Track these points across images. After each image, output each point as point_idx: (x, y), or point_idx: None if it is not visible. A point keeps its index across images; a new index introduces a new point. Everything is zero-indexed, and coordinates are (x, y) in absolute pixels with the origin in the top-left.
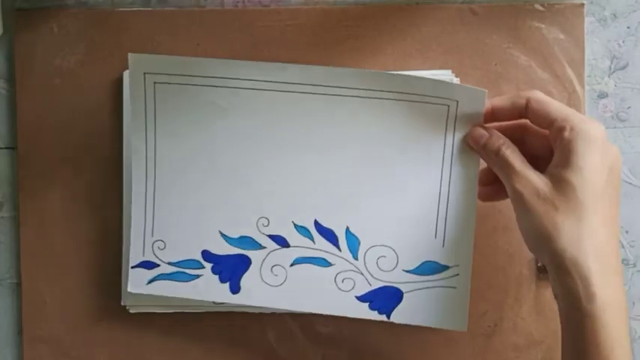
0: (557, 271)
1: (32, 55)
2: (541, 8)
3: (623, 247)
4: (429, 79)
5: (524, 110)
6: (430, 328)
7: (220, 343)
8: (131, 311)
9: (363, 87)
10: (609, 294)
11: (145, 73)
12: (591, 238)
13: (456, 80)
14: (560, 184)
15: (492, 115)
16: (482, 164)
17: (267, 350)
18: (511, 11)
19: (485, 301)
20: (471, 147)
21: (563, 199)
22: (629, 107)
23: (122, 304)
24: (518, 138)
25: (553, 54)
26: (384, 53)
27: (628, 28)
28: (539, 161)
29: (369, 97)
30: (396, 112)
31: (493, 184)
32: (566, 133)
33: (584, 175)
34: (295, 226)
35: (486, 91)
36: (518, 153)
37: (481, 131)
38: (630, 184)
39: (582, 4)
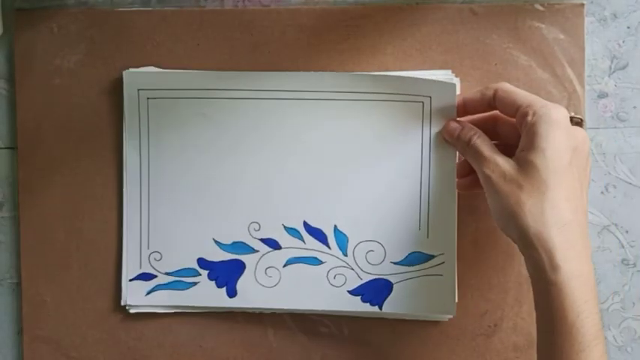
0: (524, 246)
1: (32, 55)
2: (541, 8)
3: (623, 247)
4: (400, 76)
5: (493, 101)
6: (430, 327)
7: (220, 343)
8: (131, 311)
9: (340, 90)
10: (574, 265)
11: (139, 90)
12: (554, 213)
13: (456, 80)
14: (525, 166)
15: (464, 109)
16: (460, 157)
17: (267, 350)
18: (511, 11)
19: (486, 301)
20: (446, 140)
21: (527, 179)
22: (633, 107)
23: (122, 304)
24: (490, 128)
25: (553, 54)
26: (384, 53)
27: (628, 28)
28: (512, 149)
29: (348, 100)
30: (374, 112)
31: (470, 175)
32: (529, 118)
33: (546, 155)
34: (285, 228)
35: (456, 84)
36: (488, 141)
37: (454, 124)
38: (630, 184)
39: (582, 4)
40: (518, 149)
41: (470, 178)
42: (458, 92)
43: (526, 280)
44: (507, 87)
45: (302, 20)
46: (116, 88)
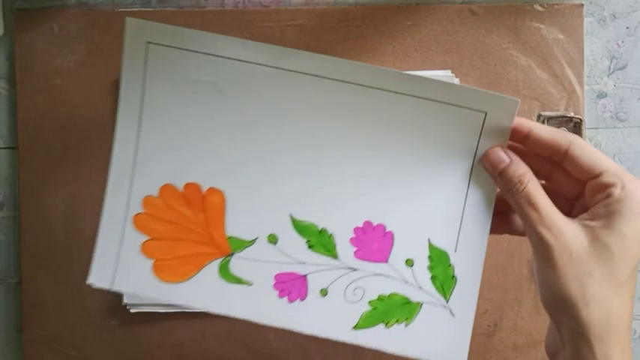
0: (576, 341)
1: (32, 55)
2: (541, 8)
3: None
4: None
5: (563, 152)
6: None
7: (220, 343)
8: (131, 311)
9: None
10: None
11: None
12: (621, 315)
13: (456, 80)
14: (598, 246)
15: (525, 141)
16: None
17: (267, 350)
18: (511, 11)
19: (486, 300)
20: (486, 169)
21: (598, 265)
22: (632, 107)
23: (122, 303)
24: (544, 174)
25: (552, 54)
26: (384, 53)
27: (627, 28)
28: (559, 202)
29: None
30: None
31: (500, 215)
32: (617, 191)
33: (625, 243)
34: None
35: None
36: (542, 190)
37: (501, 155)
38: None
39: (582, 5)
40: (585, 217)
41: (500, 219)
42: None
43: (526, 280)
44: (584, 144)
45: (302, 20)
46: (116, 88)
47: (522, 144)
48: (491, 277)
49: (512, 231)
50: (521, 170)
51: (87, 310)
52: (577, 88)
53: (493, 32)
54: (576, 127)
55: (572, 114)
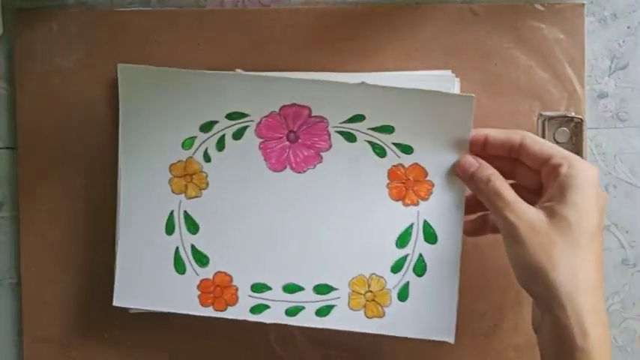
0: (550, 305)
1: (32, 55)
2: (541, 8)
3: (623, 247)
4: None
5: (517, 147)
6: None
7: (220, 343)
8: (131, 311)
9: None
10: (600, 332)
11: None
12: (586, 275)
13: (457, 80)
14: (556, 219)
15: (483, 146)
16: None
17: (267, 350)
18: (511, 11)
19: (486, 301)
20: (458, 176)
21: (559, 234)
22: (633, 107)
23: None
24: (508, 172)
25: (553, 54)
26: (384, 53)
27: (628, 28)
28: (526, 196)
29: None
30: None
31: (474, 218)
32: (564, 169)
33: (580, 212)
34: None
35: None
36: (507, 184)
37: (470, 160)
38: (630, 184)
39: (582, 4)
40: (543, 199)
41: (475, 221)
42: (457, 91)
43: None
44: (535, 137)
45: (302, 20)
46: (116, 88)
47: (483, 150)
48: (491, 278)
49: (492, 229)
50: (488, 171)
51: (87, 311)
52: (578, 87)
53: (494, 32)
54: (577, 127)
55: (572, 114)
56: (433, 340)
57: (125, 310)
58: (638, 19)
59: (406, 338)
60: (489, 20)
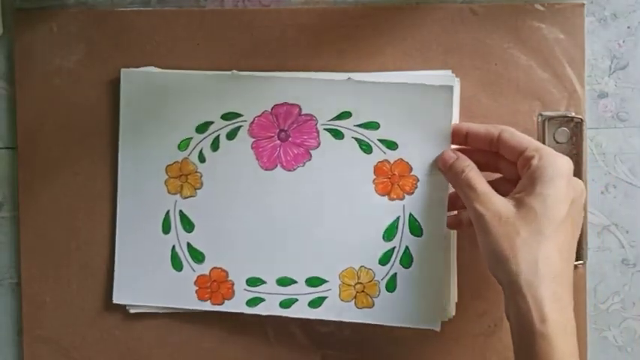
0: (511, 292)
1: (32, 55)
2: (541, 8)
3: (623, 247)
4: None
5: (496, 140)
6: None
7: (220, 343)
8: (131, 311)
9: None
10: (560, 317)
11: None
12: (547, 263)
13: (457, 80)
14: (523, 209)
15: (465, 140)
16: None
17: (267, 350)
18: (511, 11)
19: (485, 301)
20: (440, 170)
21: (524, 224)
22: (633, 107)
23: (122, 304)
24: (491, 165)
25: (553, 54)
26: (383, 53)
27: (628, 28)
28: (508, 187)
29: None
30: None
31: (458, 212)
32: (535, 161)
33: (547, 203)
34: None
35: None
36: (482, 176)
37: (450, 153)
38: (630, 184)
39: (582, 4)
40: (515, 190)
41: (458, 215)
42: (457, 92)
43: None
44: (513, 130)
45: (302, 20)
46: (116, 88)
47: (465, 143)
48: (490, 277)
49: (467, 223)
50: (464, 163)
51: (86, 310)
52: (578, 87)
53: (494, 32)
54: (577, 127)
55: (572, 114)
56: (433, 341)
57: (125, 310)
58: (638, 19)
59: (406, 338)
60: (489, 20)
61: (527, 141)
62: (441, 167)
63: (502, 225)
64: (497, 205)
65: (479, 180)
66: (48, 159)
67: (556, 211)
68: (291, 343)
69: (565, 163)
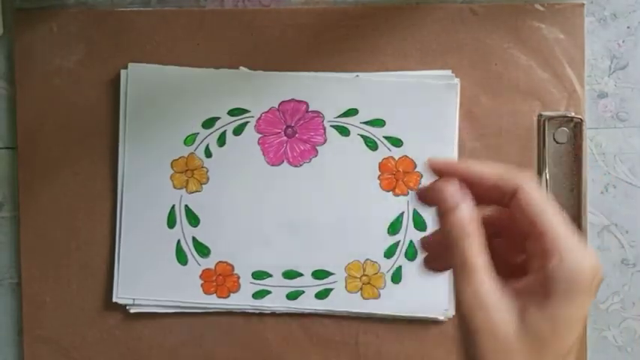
0: None
1: (32, 55)
2: (541, 8)
3: (623, 247)
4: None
5: (508, 197)
6: (429, 327)
7: (220, 343)
8: (131, 311)
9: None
10: None
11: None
12: None
13: (456, 80)
14: (526, 331)
15: (463, 181)
16: None
17: (267, 350)
18: (511, 11)
19: None
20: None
21: (525, 353)
22: (633, 107)
23: (123, 304)
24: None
25: (553, 54)
26: (383, 53)
27: (628, 28)
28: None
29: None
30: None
31: (441, 256)
32: (552, 264)
33: (556, 328)
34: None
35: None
36: (484, 252)
37: (451, 191)
38: (630, 184)
39: (582, 4)
40: (521, 288)
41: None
42: (457, 92)
43: None
44: (533, 191)
45: (302, 20)
46: (116, 88)
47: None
48: None
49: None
50: (466, 221)
51: (87, 310)
52: (578, 87)
53: (494, 32)
54: (577, 127)
55: (572, 114)
56: (433, 341)
57: (125, 310)
58: (638, 19)
59: (406, 338)
60: (489, 20)
61: (547, 220)
62: (436, 203)
63: (499, 348)
64: (494, 314)
65: (479, 261)
66: (48, 159)
67: (565, 339)
68: (291, 343)
69: (589, 266)
